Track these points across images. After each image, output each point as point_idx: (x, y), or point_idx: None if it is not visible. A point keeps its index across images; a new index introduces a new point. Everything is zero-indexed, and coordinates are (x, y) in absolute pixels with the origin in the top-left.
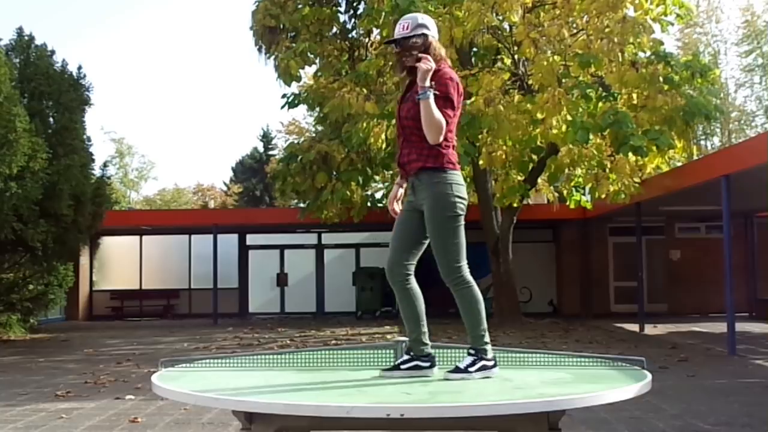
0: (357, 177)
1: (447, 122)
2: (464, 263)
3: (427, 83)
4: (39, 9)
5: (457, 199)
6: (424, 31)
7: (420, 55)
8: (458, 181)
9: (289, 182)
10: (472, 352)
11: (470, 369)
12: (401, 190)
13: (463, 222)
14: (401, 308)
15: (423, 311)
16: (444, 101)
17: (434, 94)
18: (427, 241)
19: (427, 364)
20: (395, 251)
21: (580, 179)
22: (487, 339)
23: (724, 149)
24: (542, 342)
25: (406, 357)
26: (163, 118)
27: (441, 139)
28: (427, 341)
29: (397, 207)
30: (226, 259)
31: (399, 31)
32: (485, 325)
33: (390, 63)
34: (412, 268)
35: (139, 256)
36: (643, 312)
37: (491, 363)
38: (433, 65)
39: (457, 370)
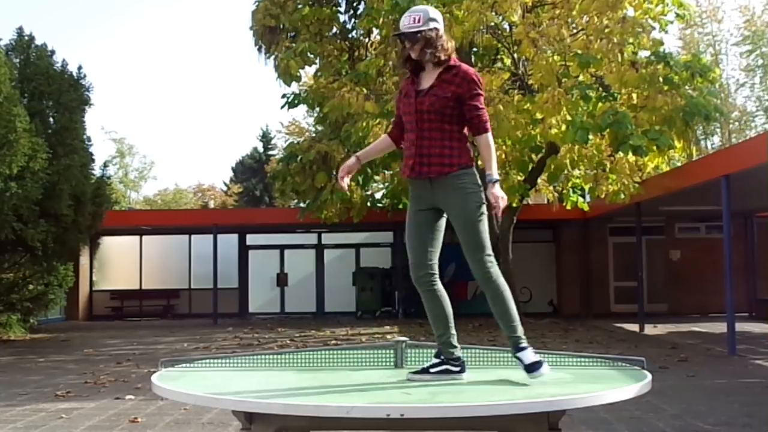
0: (357, 177)
1: (484, 109)
2: (491, 254)
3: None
4: (39, 9)
5: (478, 190)
6: (435, 25)
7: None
8: (477, 175)
9: (288, 182)
10: (522, 345)
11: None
12: (355, 163)
13: (486, 213)
14: (428, 310)
15: (450, 313)
16: (479, 97)
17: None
18: (440, 236)
19: (457, 369)
20: (417, 253)
21: (577, 180)
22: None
23: (724, 149)
24: (542, 342)
25: (435, 360)
26: (163, 118)
27: (486, 128)
28: (456, 344)
29: (345, 182)
30: (226, 259)
31: (409, 23)
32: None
33: (390, 62)
34: (436, 268)
35: (139, 256)
36: (643, 312)
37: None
38: (503, 199)
39: (530, 367)
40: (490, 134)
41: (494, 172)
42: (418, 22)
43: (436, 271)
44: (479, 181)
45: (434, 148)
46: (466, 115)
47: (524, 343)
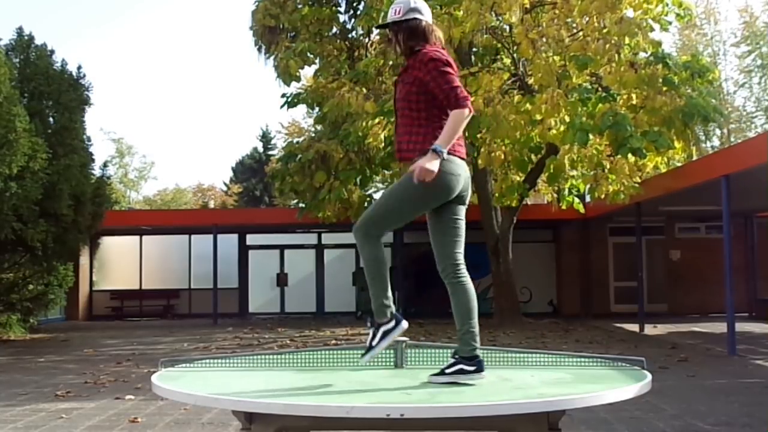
0: (355, 177)
1: (457, 85)
2: (383, 233)
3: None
4: (39, 9)
5: (437, 181)
6: (416, 15)
7: (414, 168)
8: (447, 168)
9: (287, 182)
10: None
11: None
12: None
13: (426, 203)
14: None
15: (472, 307)
16: (443, 74)
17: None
18: (452, 219)
19: (473, 368)
20: (434, 249)
21: (574, 181)
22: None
23: (724, 149)
24: (542, 342)
25: (451, 360)
26: (163, 118)
27: (461, 103)
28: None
29: None
30: (226, 259)
31: (391, 15)
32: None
33: (390, 62)
34: (460, 258)
35: (139, 256)
36: (643, 312)
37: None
38: (430, 171)
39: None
40: (464, 111)
41: (439, 143)
42: (399, 13)
43: (459, 261)
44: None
45: (404, 135)
46: (436, 96)
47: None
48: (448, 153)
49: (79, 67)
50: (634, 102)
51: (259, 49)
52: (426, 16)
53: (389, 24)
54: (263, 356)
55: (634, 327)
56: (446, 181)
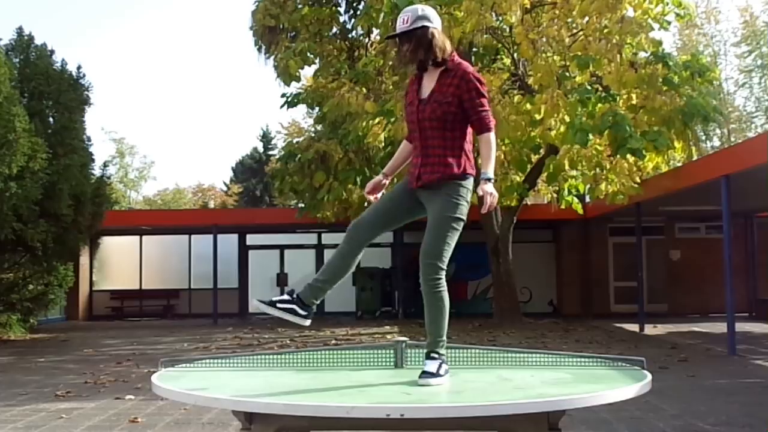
0: (355, 177)
1: (489, 108)
2: (444, 268)
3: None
4: (39, 9)
5: (464, 204)
6: (425, 23)
7: (487, 204)
8: (470, 186)
9: (287, 181)
10: (434, 355)
11: (440, 372)
12: (384, 181)
13: (461, 229)
14: (335, 258)
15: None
16: (481, 96)
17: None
18: (399, 226)
19: (305, 313)
20: (370, 219)
21: (573, 181)
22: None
23: (724, 149)
24: (542, 342)
25: (285, 297)
26: (163, 118)
27: (491, 127)
28: (317, 300)
29: (371, 198)
30: (226, 259)
31: (399, 25)
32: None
33: (390, 62)
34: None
35: (139, 256)
36: (643, 312)
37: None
38: (496, 196)
39: (428, 374)
40: (492, 133)
41: (489, 171)
42: (407, 22)
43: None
44: (467, 192)
45: (437, 157)
46: (469, 115)
47: (436, 356)
48: (470, 174)
49: (79, 67)
50: (634, 102)
51: (259, 49)
52: (435, 23)
53: (398, 35)
54: (263, 356)
55: (634, 327)
56: (469, 201)
